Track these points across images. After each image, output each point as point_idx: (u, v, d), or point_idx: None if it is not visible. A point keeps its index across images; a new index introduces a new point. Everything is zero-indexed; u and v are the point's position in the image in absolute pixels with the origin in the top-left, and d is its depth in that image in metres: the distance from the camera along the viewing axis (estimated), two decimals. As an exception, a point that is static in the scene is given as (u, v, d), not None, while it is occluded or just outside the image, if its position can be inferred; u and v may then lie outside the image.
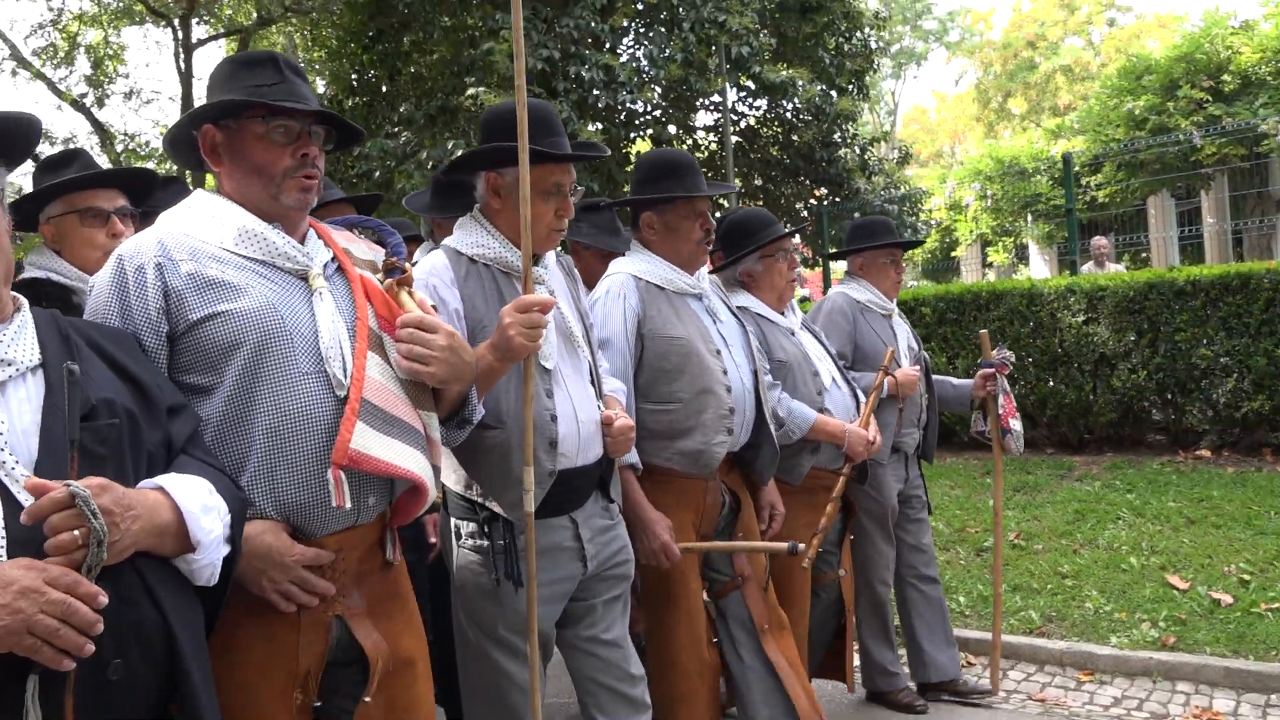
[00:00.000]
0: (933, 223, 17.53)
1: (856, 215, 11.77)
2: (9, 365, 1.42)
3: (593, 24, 9.11)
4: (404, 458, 1.76)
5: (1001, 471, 4.24)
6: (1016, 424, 4.08)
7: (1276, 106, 12.70)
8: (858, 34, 12.28)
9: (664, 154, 3.10)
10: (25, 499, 1.31)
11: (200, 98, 11.78)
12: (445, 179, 3.08)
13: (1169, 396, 6.76)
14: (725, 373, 2.92)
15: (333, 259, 1.91)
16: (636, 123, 11.54)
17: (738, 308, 3.29)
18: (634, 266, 2.95)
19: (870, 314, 3.93)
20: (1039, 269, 18.23)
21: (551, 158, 2.38)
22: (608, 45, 9.82)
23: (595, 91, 9.31)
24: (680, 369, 2.83)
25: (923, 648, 4.05)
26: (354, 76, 11.97)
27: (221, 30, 19.07)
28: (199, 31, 18.68)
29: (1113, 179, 14.11)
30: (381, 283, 1.91)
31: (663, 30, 10.58)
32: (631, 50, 10.91)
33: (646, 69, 10.43)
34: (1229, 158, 12.80)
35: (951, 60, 39.71)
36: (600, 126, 9.93)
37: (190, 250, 1.77)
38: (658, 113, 11.95)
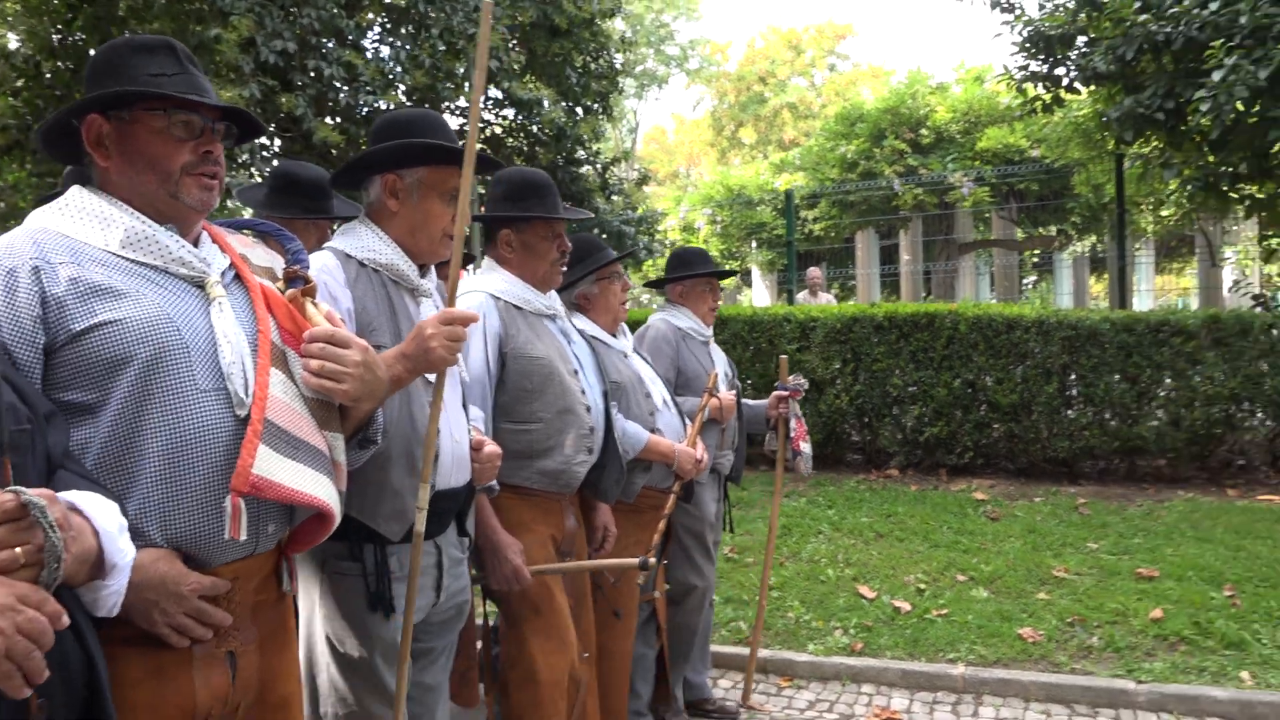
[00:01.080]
0: (667, 243, 18.33)
1: (596, 232, 12.10)
2: None
3: (336, 18, 8.75)
4: (310, 483, 1.63)
5: (781, 491, 4.46)
6: (806, 447, 4.32)
7: (963, 162, 14.40)
8: (604, 55, 12.62)
9: (524, 172, 3.04)
10: None
11: None
12: (339, 179, 2.74)
13: (866, 420, 7.48)
14: (584, 392, 2.93)
15: (230, 266, 1.76)
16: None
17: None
18: (492, 285, 2.88)
19: (691, 340, 4.03)
20: (760, 293, 19.54)
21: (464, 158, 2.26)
22: (350, 39, 9.46)
23: (337, 84, 8.94)
24: (541, 389, 2.82)
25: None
26: (57, 37, 10.74)
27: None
28: None
29: (827, 214, 15.42)
30: (283, 292, 1.78)
31: (410, 32, 10.35)
32: (376, 48, 10.58)
33: (393, 69, 10.15)
34: (924, 204, 14.37)
35: (690, 86, 41.74)
36: (338, 122, 9.54)
37: (71, 252, 1.59)
38: (401, 113, 11.65)
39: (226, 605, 1.61)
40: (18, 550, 1.13)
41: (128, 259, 1.63)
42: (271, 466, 1.56)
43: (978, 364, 7.06)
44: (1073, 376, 6.98)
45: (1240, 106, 6.53)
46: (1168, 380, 6.83)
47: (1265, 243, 9.24)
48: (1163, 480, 7.03)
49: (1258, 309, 7.92)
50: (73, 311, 1.54)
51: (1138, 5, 7.44)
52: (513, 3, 10.59)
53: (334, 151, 8.80)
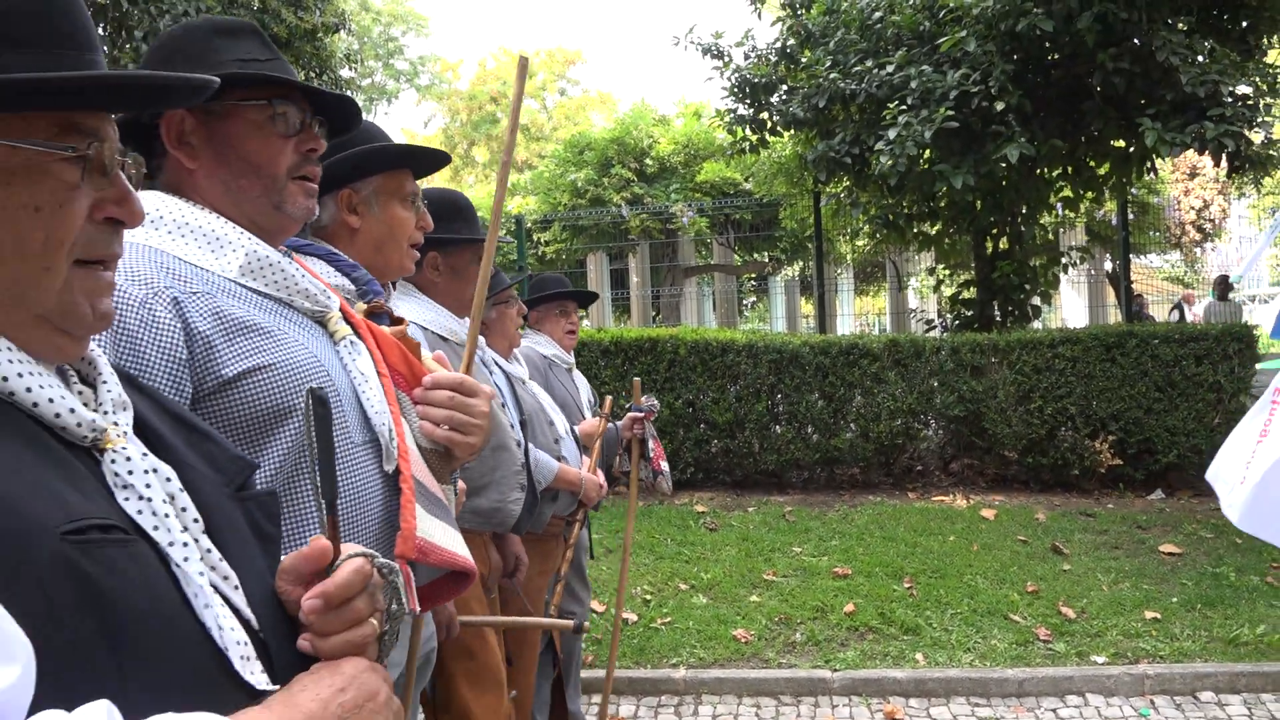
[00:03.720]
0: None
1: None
2: (127, 410, 0.93)
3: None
4: (458, 543, 1.45)
5: (635, 512, 4.49)
6: (666, 466, 4.42)
7: (685, 192, 15.28)
8: (328, 71, 12.27)
9: (446, 192, 2.92)
10: (248, 612, 0.91)
11: None
12: None
13: (596, 440, 7.79)
14: (513, 426, 2.83)
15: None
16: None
17: None
18: (416, 315, 2.70)
19: (557, 368, 4.01)
20: (496, 314, 19.54)
21: (420, 160, 2.08)
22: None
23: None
24: None
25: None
26: None
27: None
28: None
29: (559, 238, 15.81)
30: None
31: (109, 33, 9.59)
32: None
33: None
34: (650, 231, 15.10)
35: (421, 103, 41.14)
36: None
37: (201, 279, 1.33)
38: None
39: None
40: (373, 622, 0.96)
41: (249, 289, 1.38)
42: (429, 527, 1.39)
43: (697, 385, 7.57)
44: (779, 395, 7.65)
45: (911, 155, 7.48)
46: (858, 397, 7.65)
47: (935, 274, 10.56)
48: (856, 487, 7.85)
49: (930, 333, 9.04)
50: (222, 354, 1.29)
51: (829, 63, 8.32)
52: (225, 9, 10.09)
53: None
